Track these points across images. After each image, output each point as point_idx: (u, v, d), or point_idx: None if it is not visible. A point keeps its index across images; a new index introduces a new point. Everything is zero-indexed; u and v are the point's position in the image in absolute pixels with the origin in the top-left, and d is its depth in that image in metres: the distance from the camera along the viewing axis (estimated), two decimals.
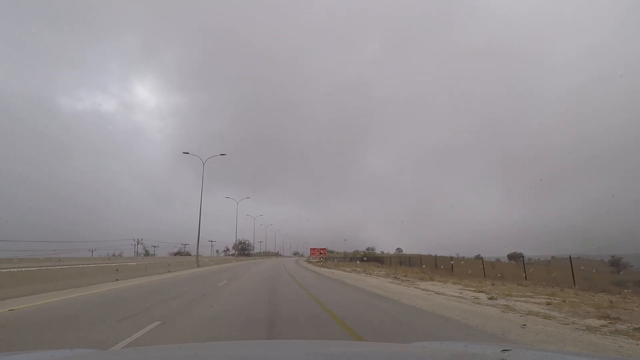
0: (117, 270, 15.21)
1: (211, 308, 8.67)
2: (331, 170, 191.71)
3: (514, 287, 16.89)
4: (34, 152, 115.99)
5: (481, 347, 2.27)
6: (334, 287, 15.96)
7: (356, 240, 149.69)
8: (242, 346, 2.88)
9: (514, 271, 27.29)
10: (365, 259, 72.84)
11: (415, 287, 16.70)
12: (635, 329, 7.08)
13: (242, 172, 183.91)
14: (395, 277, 23.96)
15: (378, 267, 41.20)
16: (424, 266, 33.60)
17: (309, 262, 69.28)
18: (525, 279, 21.57)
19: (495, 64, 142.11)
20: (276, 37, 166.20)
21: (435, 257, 39.35)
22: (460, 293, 14.41)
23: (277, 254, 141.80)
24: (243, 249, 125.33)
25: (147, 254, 66.23)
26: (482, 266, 31.63)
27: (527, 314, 8.83)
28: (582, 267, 21.43)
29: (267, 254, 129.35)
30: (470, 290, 15.69)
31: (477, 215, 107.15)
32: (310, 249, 66.03)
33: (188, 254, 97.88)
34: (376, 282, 19.79)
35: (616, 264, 37.44)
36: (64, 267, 13.41)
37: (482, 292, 14.79)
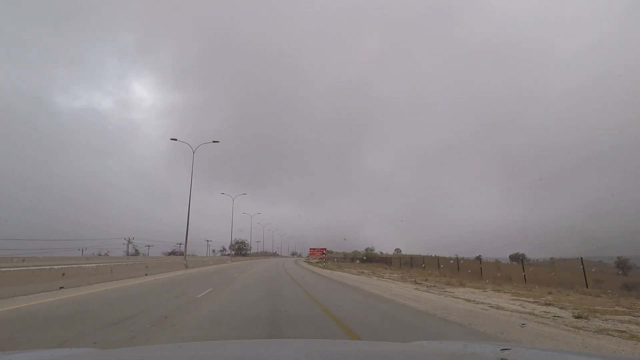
0: (63, 275, 11.31)
1: None
2: (330, 169, 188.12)
3: (580, 297, 13.18)
4: (29, 150, 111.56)
5: (481, 346, 2.21)
6: (356, 299, 12.12)
7: (354, 240, 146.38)
8: (242, 345, 2.84)
9: (535, 274, 24.36)
10: (365, 259, 70.17)
11: (455, 297, 12.93)
12: None
13: (240, 171, 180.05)
14: (416, 282, 20.21)
15: (385, 268, 37.46)
16: (441, 266, 29.90)
17: (309, 262, 65.82)
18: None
19: (496, 63, 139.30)
20: (275, 35, 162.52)
21: (438, 257, 37.16)
22: (523, 306, 10.65)
23: (274, 254, 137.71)
24: (240, 249, 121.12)
25: (137, 253, 62.00)
26: (489, 267, 28.39)
27: None
28: (593, 270, 20.23)
29: (264, 254, 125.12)
30: (529, 301, 11.96)
31: (477, 215, 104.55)
32: (310, 248, 62.50)
33: (182, 254, 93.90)
34: (398, 288, 16.00)
35: (622, 265, 35.34)
36: None
37: (549, 304, 11.02)
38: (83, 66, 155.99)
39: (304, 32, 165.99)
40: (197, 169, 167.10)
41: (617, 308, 10.34)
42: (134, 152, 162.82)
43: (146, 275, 18.68)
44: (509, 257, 63.22)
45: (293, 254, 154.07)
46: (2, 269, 9.43)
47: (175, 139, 28.50)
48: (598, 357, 2.90)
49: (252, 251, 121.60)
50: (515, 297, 13.04)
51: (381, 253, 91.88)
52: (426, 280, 21.91)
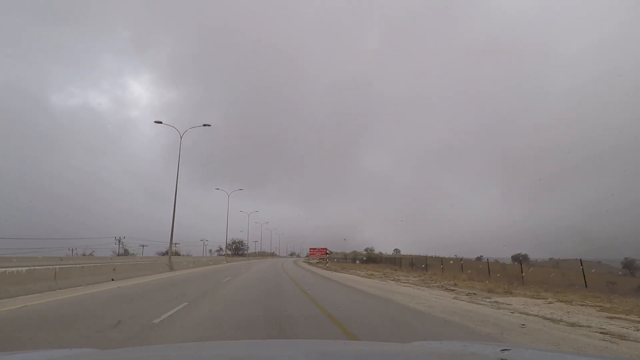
0: None
1: None
2: (329, 169, 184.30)
3: None
4: (23, 147, 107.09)
5: (480, 346, 2.19)
6: (395, 317, 8.21)
7: (353, 240, 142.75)
8: (242, 345, 2.79)
9: (556, 276, 21.20)
10: (365, 259, 66.80)
11: (527, 314, 9.10)
12: None
13: (238, 170, 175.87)
14: (445, 288, 16.38)
15: (395, 269, 33.62)
16: (469, 272, 26.10)
17: (309, 263, 62.12)
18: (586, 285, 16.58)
19: (497, 62, 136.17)
20: (273, 32, 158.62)
21: (442, 258, 34.70)
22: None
23: (272, 254, 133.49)
24: (237, 249, 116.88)
25: (126, 253, 57.77)
26: (507, 268, 25.14)
27: None
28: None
29: (262, 254, 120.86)
30: (627, 320, 8.23)
31: (476, 215, 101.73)
32: (310, 248, 58.71)
33: (177, 254, 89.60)
34: (434, 297, 12.18)
35: (629, 266, 35.19)
36: None
37: None
38: (78, 63, 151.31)
39: (303, 29, 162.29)
40: (195, 168, 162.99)
41: None
42: (130, 150, 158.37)
43: (112, 280, 14.71)
44: (511, 257, 63.01)
45: (291, 254, 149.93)
46: None
47: (160, 122, 24.66)
48: (598, 357, 3.03)
49: (250, 251, 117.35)
50: (611, 315, 9.23)
51: (380, 253, 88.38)
52: (456, 285, 18.11)
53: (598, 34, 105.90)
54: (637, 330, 7.21)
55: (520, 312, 9.55)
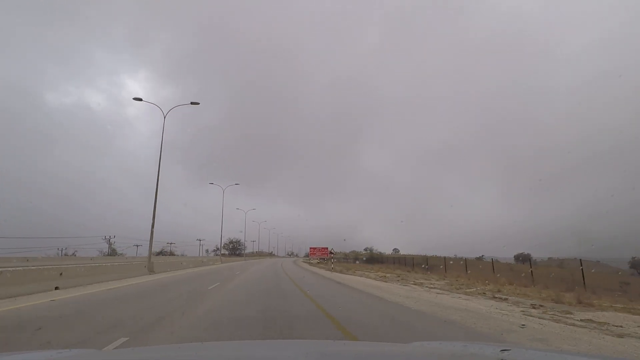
0: None
1: None
2: (327, 168, 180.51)
3: None
4: (17, 145, 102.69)
5: (480, 346, 2.12)
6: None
7: (352, 240, 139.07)
8: (242, 346, 2.76)
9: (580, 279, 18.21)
10: (365, 259, 63.70)
11: None
12: None
13: (236, 169, 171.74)
14: (495, 297, 12.66)
15: (409, 271, 29.88)
16: (498, 275, 22.42)
17: (310, 263, 58.55)
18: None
19: (498, 60, 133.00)
20: (271, 28, 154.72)
21: (443, 258, 32.12)
22: None
23: (271, 254, 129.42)
24: (234, 249, 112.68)
25: (114, 253, 53.66)
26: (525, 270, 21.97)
27: None
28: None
29: (260, 254, 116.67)
30: None
31: (476, 215, 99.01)
32: (311, 248, 55.09)
33: (172, 254, 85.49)
34: (515, 318, 8.37)
35: (637, 266, 35.09)
36: None
37: None
38: (73, 61, 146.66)
39: (301, 26, 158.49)
40: (192, 167, 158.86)
41: None
42: (125, 148, 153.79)
43: (56, 289, 10.84)
44: (514, 257, 58.18)
45: (289, 254, 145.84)
46: None
47: (140, 99, 20.85)
48: (598, 357, 3.06)
49: (247, 251, 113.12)
50: None
51: (380, 253, 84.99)
52: (499, 291, 14.42)
53: (599, 33, 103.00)
54: None
55: None
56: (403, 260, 49.60)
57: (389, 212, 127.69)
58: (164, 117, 21.10)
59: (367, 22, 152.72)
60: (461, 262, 29.15)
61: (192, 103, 22.05)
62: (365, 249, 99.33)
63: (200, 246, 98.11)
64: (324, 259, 63.38)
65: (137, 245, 78.57)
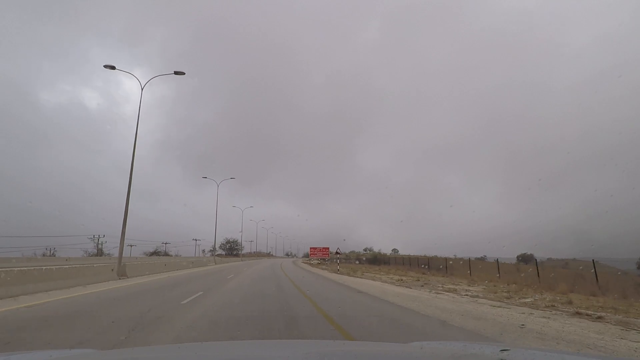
0: None
1: None
2: (326, 167, 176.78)
3: None
4: (11, 143, 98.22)
5: (480, 346, 2.07)
6: None
7: (350, 240, 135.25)
8: (241, 346, 2.72)
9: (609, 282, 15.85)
10: (364, 259, 60.78)
11: None
12: None
13: (234, 168, 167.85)
14: (578, 312, 9.05)
15: (424, 273, 26.21)
16: (524, 275, 18.88)
17: (310, 264, 55.13)
18: None
19: (499, 56, 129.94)
20: (268, 23, 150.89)
21: (444, 259, 31.60)
22: None
23: (269, 255, 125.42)
24: (231, 249, 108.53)
25: (100, 253, 49.67)
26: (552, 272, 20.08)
27: None
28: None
29: (257, 255, 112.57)
30: None
31: (475, 214, 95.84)
32: (311, 248, 51.65)
33: (166, 254, 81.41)
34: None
35: None
36: None
37: None
38: (67, 58, 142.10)
39: (299, 21, 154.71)
40: (189, 166, 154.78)
41: None
42: (120, 146, 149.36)
43: None
44: (517, 257, 55.89)
45: (287, 254, 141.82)
46: None
47: (114, 67, 17.11)
48: (597, 358, 2.94)
49: (245, 251, 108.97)
50: None
51: (384, 253, 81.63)
52: (569, 302, 10.83)
53: (600, 30, 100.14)
54: None
55: None
56: (407, 260, 46.53)
57: (387, 212, 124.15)
58: (142, 89, 17.46)
59: (366, 17, 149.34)
60: (480, 266, 25.68)
61: (175, 73, 18.33)
62: (365, 249, 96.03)
63: (197, 246, 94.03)
64: (325, 259, 59.94)
65: (132, 246, 74.54)
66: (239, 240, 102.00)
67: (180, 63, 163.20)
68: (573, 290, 13.52)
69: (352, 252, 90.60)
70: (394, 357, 1.86)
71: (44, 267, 11.33)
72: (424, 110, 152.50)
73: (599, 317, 8.50)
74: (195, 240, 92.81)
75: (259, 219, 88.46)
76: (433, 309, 9.06)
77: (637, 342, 5.92)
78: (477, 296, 12.51)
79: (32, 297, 9.50)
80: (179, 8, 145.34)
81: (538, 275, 18.62)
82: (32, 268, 10.87)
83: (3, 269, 10.04)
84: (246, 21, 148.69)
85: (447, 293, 13.50)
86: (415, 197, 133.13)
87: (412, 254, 51.64)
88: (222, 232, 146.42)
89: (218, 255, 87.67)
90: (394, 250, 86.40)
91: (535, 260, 25.16)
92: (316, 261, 62.85)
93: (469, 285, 17.02)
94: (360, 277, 22.30)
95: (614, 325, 7.53)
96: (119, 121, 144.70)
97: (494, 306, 9.97)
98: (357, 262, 59.03)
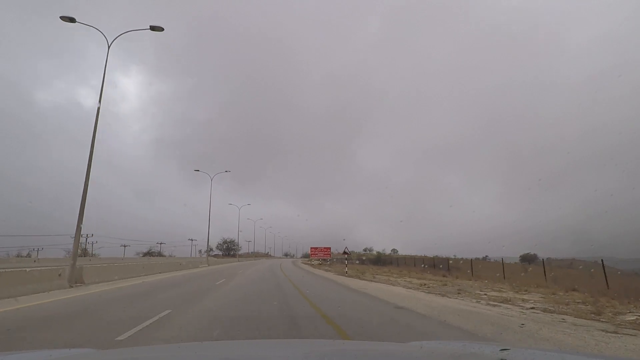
0: None
1: None
2: (325, 167, 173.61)
3: None
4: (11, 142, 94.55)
5: (480, 346, 2.05)
6: None
7: (349, 240, 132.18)
8: (242, 346, 2.68)
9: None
10: (364, 259, 57.93)
11: None
12: None
13: (230, 165, 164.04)
14: None
15: (445, 275, 22.74)
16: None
17: (311, 265, 52.08)
18: None
19: (502, 54, 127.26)
20: (267, 21, 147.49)
21: (445, 259, 31.00)
22: None
23: (267, 255, 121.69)
24: (228, 249, 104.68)
25: (85, 254, 45.86)
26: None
27: None
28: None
29: (255, 255, 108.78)
30: None
31: (475, 215, 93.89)
32: (311, 248, 49.03)
33: (160, 255, 77.68)
34: None
35: None
36: None
37: None
38: (63, 56, 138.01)
39: (299, 19, 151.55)
40: (187, 165, 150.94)
41: None
42: (115, 145, 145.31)
43: None
44: (520, 257, 54.04)
45: (286, 255, 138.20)
46: None
47: (74, 20, 13.68)
48: (597, 357, 2.80)
49: (242, 251, 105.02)
50: None
51: (379, 253, 78.69)
52: None
53: (601, 29, 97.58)
54: None
55: None
56: (411, 260, 43.76)
57: (387, 212, 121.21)
58: (108, 47, 14.12)
59: (367, 16, 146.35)
60: (498, 273, 22.33)
61: (151, 28, 14.88)
62: (365, 249, 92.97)
63: (193, 246, 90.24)
64: (326, 260, 56.65)
65: (125, 246, 70.73)
66: (236, 240, 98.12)
67: (178, 62, 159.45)
68: (594, 295, 10.08)
69: (352, 252, 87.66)
70: (394, 356, 1.81)
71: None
72: (424, 110, 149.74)
73: None
74: (191, 240, 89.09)
75: (257, 218, 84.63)
76: (544, 342, 5.52)
77: None
78: (552, 311, 9.04)
79: None
80: (177, 7, 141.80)
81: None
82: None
83: None
84: (246, 20, 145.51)
85: (502, 304, 10.04)
86: (415, 197, 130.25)
87: (412, 254, 49.95)
88: (221, 232, 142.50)
89: (214, 255, 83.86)
90: (394, 250, 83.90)
91: (542, 260, 22.54)
92: (317, 262, 59.60)
93: (516, 292, 13.56)
94: (373, 281, 18.80)
95: None
96: (113, 118, 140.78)
97: (605, 331, 6.48)
98: (358, 262, 56.29)
